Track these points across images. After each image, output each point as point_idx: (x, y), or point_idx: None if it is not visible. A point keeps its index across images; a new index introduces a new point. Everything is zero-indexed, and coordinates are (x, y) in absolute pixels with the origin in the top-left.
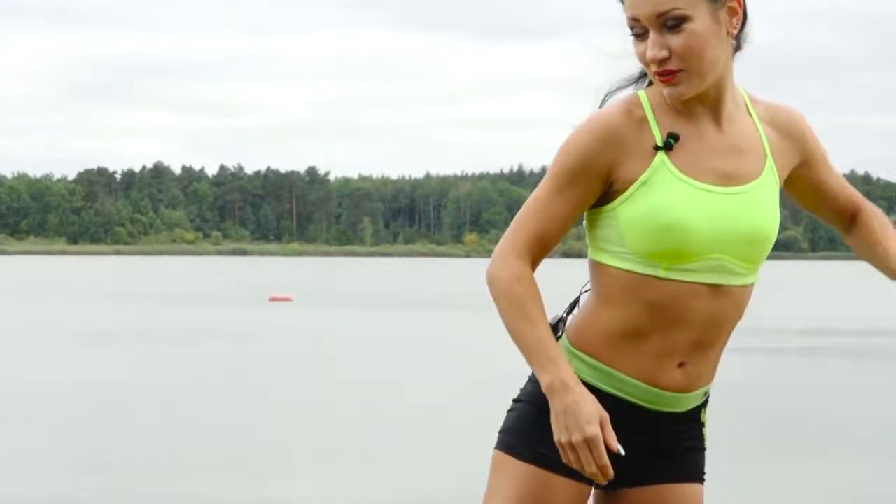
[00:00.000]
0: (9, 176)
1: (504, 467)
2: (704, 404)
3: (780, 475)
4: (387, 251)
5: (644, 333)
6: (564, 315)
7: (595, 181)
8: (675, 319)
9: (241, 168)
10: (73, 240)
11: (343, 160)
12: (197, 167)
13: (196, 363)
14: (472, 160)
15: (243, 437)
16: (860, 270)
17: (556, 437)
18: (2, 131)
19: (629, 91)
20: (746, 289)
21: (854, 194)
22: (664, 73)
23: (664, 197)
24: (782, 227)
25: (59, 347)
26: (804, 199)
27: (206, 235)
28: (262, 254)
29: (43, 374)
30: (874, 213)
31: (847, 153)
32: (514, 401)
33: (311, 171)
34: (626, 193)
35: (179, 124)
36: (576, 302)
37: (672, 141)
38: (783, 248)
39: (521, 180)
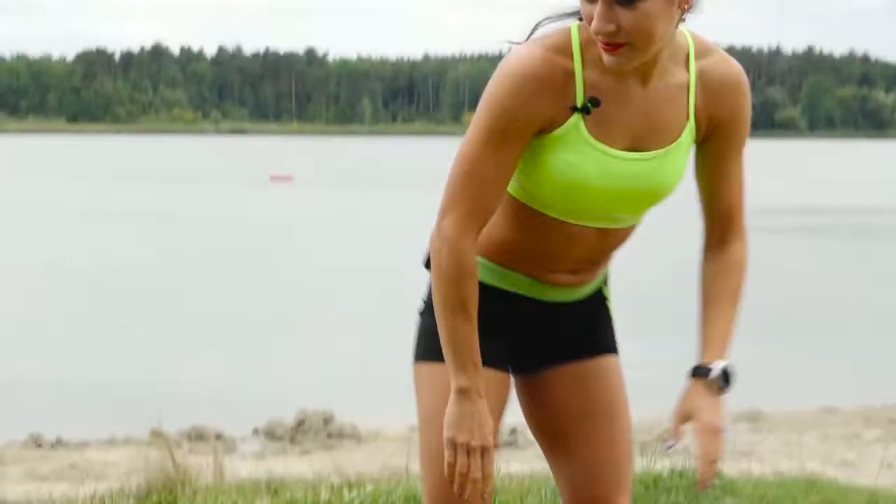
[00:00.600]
0: (7, 57)
1: (427, 373)
2: (605, 281)
3: (781, 354)
4: (386, 130)
5: (534, 252)
6: None
7: (527, 134)
8: (564, 247)
9: (239, 49)
10: (73, 119)
11: (341, 41)
12: (196, 48)
13: (196, 240)
14: (470, 41)
15: (239, 312)
16: (859, 150)
17: (450, 435)
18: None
19: (564, 23)
20: (631, 228)
21: (738, 216)
22: (609, 44)
23: (571, 159)
24: (780, 108)
25: (58, 225)
26: (699, 170)
27: (206, 115)
28: (261, 133)
29: (42, 251)
30: (736, 266)
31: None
32: (421, 314)
33: (310, 52)
34: (545, 139)
35: (178, 4)
36: None
37: (591, 106)
38: (781, 127)
39: None
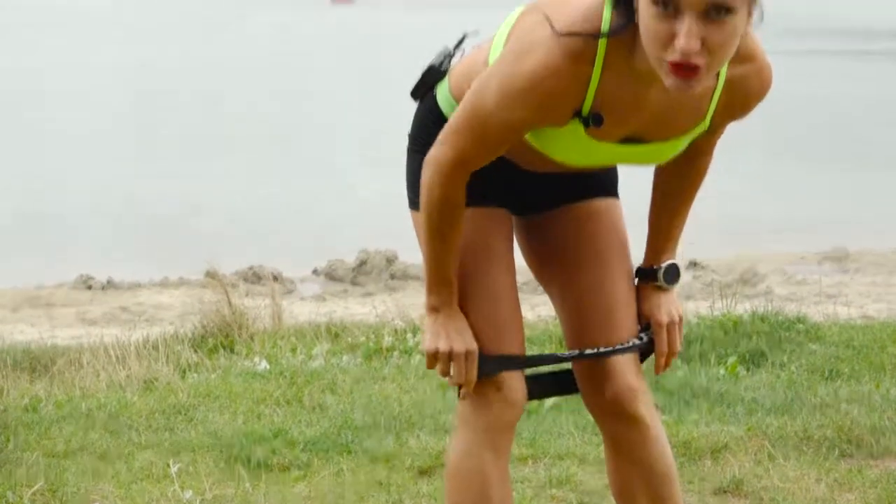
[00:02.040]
0: None
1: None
2: None
3: (868, 190)
4: None
5: (520, 160)
6: (450, 49)
7: (538, 125)
8: (545, 164)
9: None
10: None
11: None
12: None
13: (253, 60)
14: None
15: (297, 139)
16: None
17: (430, 345)
18: None
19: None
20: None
21: (710, 149)
22: (687, 66)
23: (560, 144)
24: None
25: (110, 30)
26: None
27: None
28: None
29: (93, 54)
30: (697, 171)
31: None
32: (416, 152)
33: None
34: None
35: None
36: (462, 40)
37: (591, 123)
38: None
39: None
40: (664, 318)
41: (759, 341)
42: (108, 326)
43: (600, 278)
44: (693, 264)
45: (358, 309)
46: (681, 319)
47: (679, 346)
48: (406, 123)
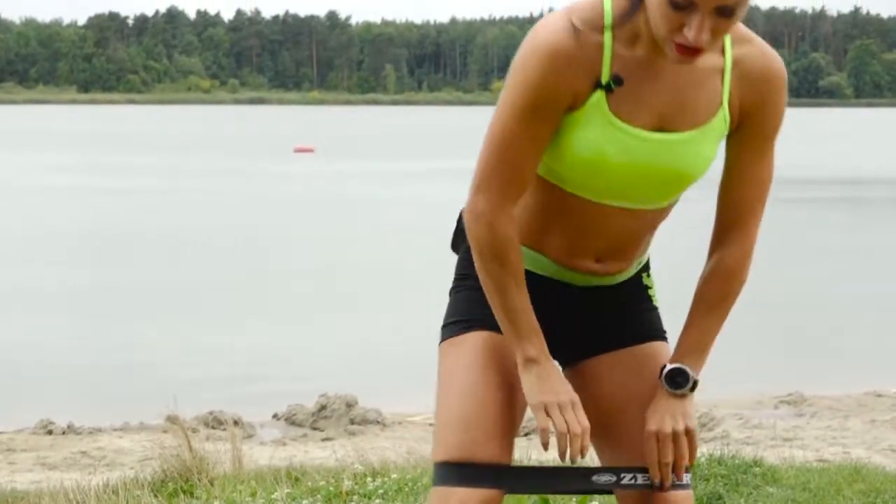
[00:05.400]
0: (17, 21)
1: (453, 347)
2: (646, 269)
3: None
4: (411, 99)
5: (554, 232)
6: None
7: (560, 109)
8: (584, 229)
9: (258, 13)
10: (84, 88)
11: (365, 4)
12: (212, 11)
13: (214, 214)
14: (499, 4)
15: (259, 291)
16: None
17: (536, 401)
18: None
19: None
20: (661, 211)
21: (745, 217)
22: (692, 50)
23: (591, 135)
24: (824, 74)
25: (70, 196)
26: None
27: (223, 83)
28: (281, 102)
29: (51, 221)
30: (728, 273)
31: None
32: (458, 291)
33: (332, 16)
34: (571, 116)
35: None
36: None
37: (614, 85)
38: (825, 94)
39: None
40: (653, 427)
41: (717, 484)
42: (68, 471)
43: None
44: None
45: (318, 453)
46: (689, 432)
47: (684, 459)
48: (364, 264)
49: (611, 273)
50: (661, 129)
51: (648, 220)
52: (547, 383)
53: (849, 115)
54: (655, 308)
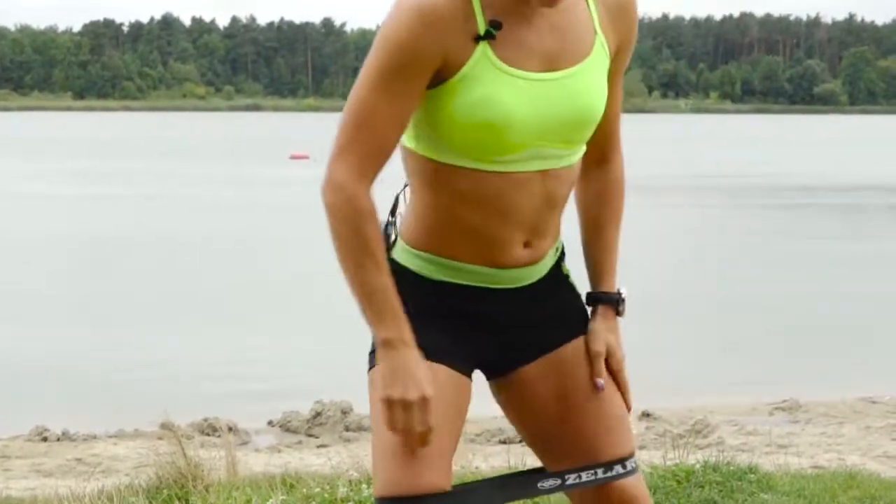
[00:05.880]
0: (11, 28)
1: (372, 376)
2: (561, 258)
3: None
4: None
5: (475, 226)
6: (390, 218)
7: (427, 72)
8: (505, 210)
9: (253, 20)
10: (80, 95)
11: (360, 11)
12: (207, 18)
13: (209, 221)
14: None
15: (255, 297)
16: None
17: (385, 393)
18: None
19: None
20: (572, 168)
21: (617, 134)
22: None
23: (488, 92)
24: (819, 81)
25: (65, 205)
26: None
27: (218, 90)
28: (276, 109)
29: (51, 225)
30: (617, 184)
31: None
32: None
33: (327, 23)
34: (448, 85)
35: None
36: (396, 201)
37: (493, 31)
38: (821, 101)
39: None
40: (601, 349)
41: (712, 491)
42: (63, 478)
43: (602, 412)
44: (646, 415)
45: (313, 460)
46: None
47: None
48: None
49: (537, 259)
50: (550, 69)
51: (563, 182)
52: (398, 376)
53: (843, 123)
54: (578, 297)
